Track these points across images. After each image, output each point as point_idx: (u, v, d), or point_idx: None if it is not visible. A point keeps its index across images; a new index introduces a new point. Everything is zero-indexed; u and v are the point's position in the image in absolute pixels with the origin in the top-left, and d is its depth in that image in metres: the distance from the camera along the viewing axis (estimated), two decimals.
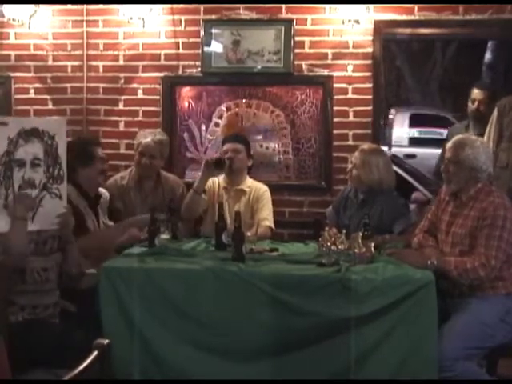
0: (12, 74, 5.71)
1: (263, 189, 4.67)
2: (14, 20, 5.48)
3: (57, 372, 2.56)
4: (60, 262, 3.50)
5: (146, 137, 4.76)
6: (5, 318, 3.18)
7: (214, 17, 5.48)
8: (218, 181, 4.73)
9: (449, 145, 3.73)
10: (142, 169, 4.75)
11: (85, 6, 5.55)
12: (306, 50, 5.41)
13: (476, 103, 5.13)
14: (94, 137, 5.15)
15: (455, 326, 3.45)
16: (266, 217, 4.57)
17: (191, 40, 5.52)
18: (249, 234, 3.91)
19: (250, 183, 4.70)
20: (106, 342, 2.17)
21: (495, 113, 4.65)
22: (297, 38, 5.37)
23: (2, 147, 3.24)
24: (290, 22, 5.37)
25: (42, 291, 3.38)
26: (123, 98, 5.62)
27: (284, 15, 5.41)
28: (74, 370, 2.01)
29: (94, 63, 5.64)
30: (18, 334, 3.14)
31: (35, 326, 3.28)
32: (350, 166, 4.47)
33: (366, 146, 4.53)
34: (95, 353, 2.12)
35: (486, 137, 4.57)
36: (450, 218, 3.71)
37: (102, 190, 4.41)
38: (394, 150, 11.53)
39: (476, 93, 5.16)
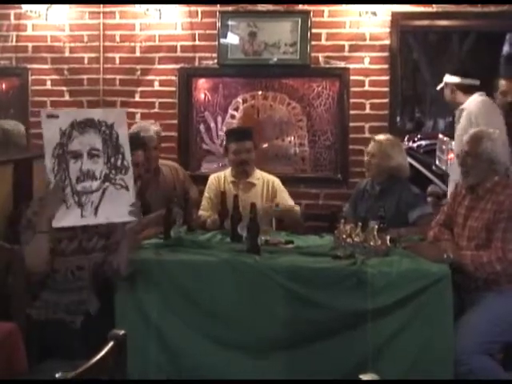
0: (29, 66, 5.74)
1: (276, 181, 4.65)
2: (31, 12, 5.52)
3: (73, 362, 2.57)
4: (99, 262, 3.42)
5: (148, 130, 4.71)
6: (23, 310, 3.19)
7: (230, 8, 5.48)
8: (224, 175, 4.70)
9: (466, 138, 3.70)
10: (151, 162, 4.70)
11: None
12: (323, 41, 5.39)
13: (509, 95, 5.01)
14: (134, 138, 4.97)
15: (471, 320, 3.43)
16: (292, 205, 4.58)
17: (208, 32, 5.51)
18: None
19: (259, 175, 4.67)
20: (121, 332, 2.17)
21: None
22: (313, 30, 5.35)
23: (53, 140, 3.19)
24: (306, 13, 5.35)
25: (71, 290, 3.36)
26: (139, 89, 5.63)
27: (301, 7, 5.40)
28: (90, 361, 2.01)
29: (110, 55, 5.65)
30: (37, 331, 3.17)
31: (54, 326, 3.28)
32: (366, 157, 4.44)
33: (380, 136, 4.52)
34: (111, 343, 2.12)
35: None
36: (466, 211, 3.69)
37: None
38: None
39: (506, 84, 5.05)
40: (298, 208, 4.58)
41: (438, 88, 5.38)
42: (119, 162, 3.27)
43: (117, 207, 3.25)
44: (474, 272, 3.46)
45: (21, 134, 5.29)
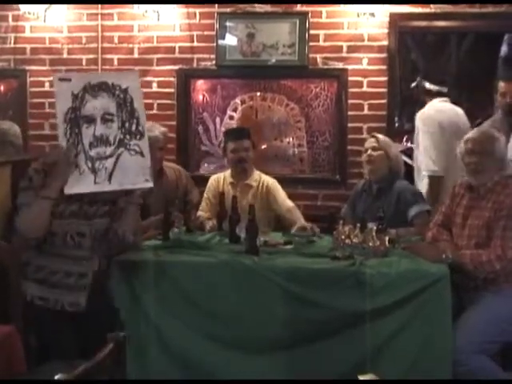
0: (27, 68, 5.74)
1: (274, 183, 4.64)
2: (29, 13, 5.52)
3: (72, 363, 2.57)
4: (104, 229, 3.28)
5: (153, 130, 4.70)
6: (18, 306, 3.17)
7: (228, 10, 5.48)
8: (223, 176, 4.71)
9: (473, 137, 3.69)
10: (156, 163, 4.70)
11: None
12: (321, 43, 5.40)
13: (508, 96, 4.97)
14: None
15: (470, 319, 3.44)
16: (290, 203, 4.57)
17: (206, 33, 5.52)
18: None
19: (257, 176, 4.67)
20: (121, 334, 2.17)
21: None
22: (311, 31, 5.36)
23: (65, 104, 3.08)
24: (304, 14, 5.36)
25: (74, 258, 3.20)
26: None
27: (299, 8, 5.40)
28: (89, 363, 2.01)
29: (108, 56, 5.65)
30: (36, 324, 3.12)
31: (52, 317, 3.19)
32: (366, 153, 4.44)
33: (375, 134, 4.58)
34: (110, 345, 2.12)
35: None
36: (465, 210, 3.69)
37: None
38: None
39: (505, 86, 5.03)
40: (296, 209, 4.57)
41: (411, 86, 5.50)
42: (134, 127, 3.15)
43: (131, 173, 3.14)
44: (474, 271, 3.46)
45: (17, 134, 5.29)
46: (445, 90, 5.40)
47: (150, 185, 3.18)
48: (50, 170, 3.08)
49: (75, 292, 3.19)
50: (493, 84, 5.20)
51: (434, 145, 4.97)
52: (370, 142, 4.44)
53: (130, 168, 3.13)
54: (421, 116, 5.12)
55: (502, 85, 5.03)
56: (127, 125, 3.14)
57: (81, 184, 3.08)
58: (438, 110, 5.27)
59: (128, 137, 3.14)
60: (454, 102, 5.37)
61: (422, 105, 5.32)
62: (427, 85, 5.29)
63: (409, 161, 5.66)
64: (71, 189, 3.06)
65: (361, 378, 2.00)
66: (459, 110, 5.39)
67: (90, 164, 3.10)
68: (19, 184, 3.15)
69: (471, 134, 3.77)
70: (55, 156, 3.08)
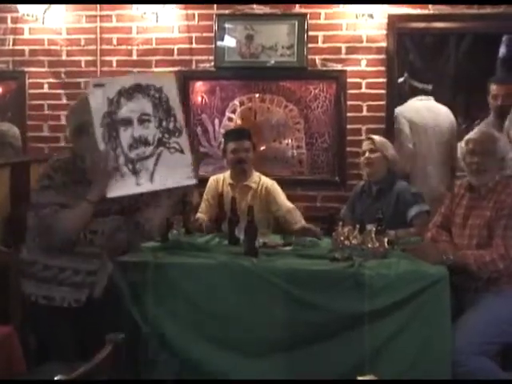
0: (26, 69, 5.73)
1: (273, 184, 4.63)
2: (28, 15, 5.51)
3: (71, 365, 2.57)
4: (116, 227, 3.26)
5: None
6: (18, 307, 3.17)
7: (227, 11, 5.48)
8: (223, 177, 4.70)
9: (474, 137, 3.70)
10: None
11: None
12: (320, 44, 5.40)
13: (500, 99, 5.00)
14: None
15: (469, 320, 3.44)
16: (290, 205, 4.56)
17: (204, 34, 5.52)
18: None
19: (256, 178, 4.65)
20: (120, 336, 2.17)
21: None
22: (310, 33, 5.35)
23: (101, 109, 3.05)
24: (303, 16, 5.36)
25: (84, 255, 3.16)
26: None
27: (297, 9, 5.40)
28: (87, 365, 2.02)
29: (107, 58, 5.65)
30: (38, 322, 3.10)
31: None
32: (365, 155, 4.45)
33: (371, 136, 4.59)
34: (109, 348, 2.12)
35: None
36: (465, 211, 3.69)
37: None
38: None
39: (497, 88, 5.05)
40: (297, 210, 4.56)
41: (399, 81, 5.63)
42: (171, 125, 3.13)
43: (173, 172, 3.11)
44: (478, 271, 3.46)
45: (16, 136, 5.30)
46: (429, 87, 5.50)
47: (193, 181, 3.16)
48: (91, 174, 3.08)
49: (81, 289, 3.17)
50: (485, 87, 5.20)
51: (399, 141, 5.10)
52: (367, 144, 4.45)
53: (171, 166, 3.11)
54: (395, 112, 5.27)
55: (493, 87, 5.04)
56: (165, 123, 3.13)
57: (123, 186, 3.06)
58: (411, 106, 5.39)
59: (167, 135, 3.12)
60: (447, 102, 5.43)
61: (406, 101, 5.45)
62: (412, 82, 5.46)
63: None
64: (113, 192, 3.05)
65: (360, 379, 2.00)
66: (441, 109, 5.43)
67: (131, 166, 3.08)
68: (38, 183, 3.11)
69: (472, 134, 3.77)
70: (98, 161, 3.05)
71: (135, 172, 3.08)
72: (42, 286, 3.12)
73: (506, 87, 5.04)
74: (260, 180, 4.64)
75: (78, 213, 3.04)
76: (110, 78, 3.10)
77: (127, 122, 3.07)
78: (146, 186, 3.09)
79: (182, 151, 3.13)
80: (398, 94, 5.61)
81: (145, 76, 3.22)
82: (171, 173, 3.10)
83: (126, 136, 3.07)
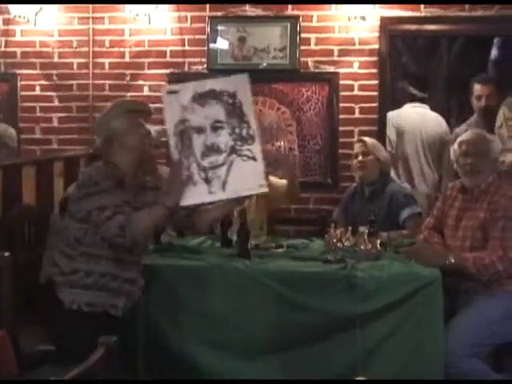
0: (18, 71, 5.72)
1: None
2: (19, 17, 5.49)
3: (65, 368, 2.57)
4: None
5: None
6: (13, 316, 3.17)
7: (219, 14, 5.48)
8: None
9: (467, 139, 3.71)
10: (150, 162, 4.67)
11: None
12: (312, 46, 5.40)
13: (483, 99, 5.00)
14: None
15: (462, 322, 3.44)
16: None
17: (197, 37, 5.52)
18: None
19: None
20: (112, 339, 2.17)
21: (505, 113, 4.59)
22: (303, 35, 5.36)
23: (175, 116, 3.04)
24: (295, 18, 5.36)
25: (123, 262, 3.15)
26: (129, 94, 5.62)
27: (290, 12, 5.41)
28: (80, 368, 2.01)
29: (99, 60, 5.64)
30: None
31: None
32: (358, 158, 4.45)
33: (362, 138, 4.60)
34: (101, 350, 2.12)
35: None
36: (458, 212, 3.69)
37: None
38: None
39: (480, 88, 5.03)
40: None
41: (397, 87, 5.80)
42: (244, 132, 3.08)
43: (245, 180, 3.05)
44: (477, 274, 3.45)
45: (12, 137, 5.30)
46: (423, 95, 5.56)
47: (265, 190, 3.11)
48: (166, 182, 3.11)
49: (118, 296, 3.17)
50: (469, 87, 5.19)
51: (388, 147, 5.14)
52: (359, 147, 4.46)
53: (243, 174, 3.06)
54: (387, 116, 5.33)
55: (477, 87, 5.03)
56: (237, 130, 3.08)
57: (195, 195, 3.04)
58: (403, 112, 5.46)
59: (239, 143, 3.07)
60: (439, 104, 5.46)
61: (400, 106, 5.52)
62: (409, 88, 5.52)
63: None
64: (186, 200, 3.03)
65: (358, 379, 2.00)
66: (433, 118, 5.45)
67: (203, 174, 3.05)
68: (83, 189, 3.06)
69: (465, 136, 3.78)
70: (174, 170, 3.06)
71: (207, 180, 3.05)
72: (85, 293, 3.09)
73: (489, 87, 5.03)
74: None
75: (153, 215, 3.05)
76: (183, 84, 3.08)
77: (200, 130, 3.05)
78: (218, 195, 3.06)
79: (254, 159, 3.07)
80: (391, 97, 5.64)
81: (218, 80, 3.16)
82: (243, 181, 3.06)
83: (198, 144, 3.04)
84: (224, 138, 3.05)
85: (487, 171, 3.63)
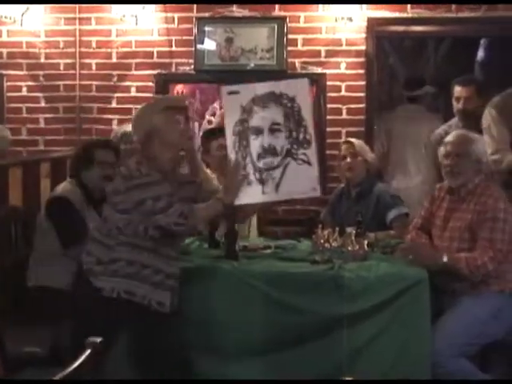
0: (4, 72, 5.70)
1: None
2: (5, 17, 5.47)
3: (51, 370, 2.56)
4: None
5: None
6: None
7: (207, 14, 5.49)
8: None
9: (450, 140, 3.72)
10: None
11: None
12: (299, 47, 5.41)
13: (462, 101, 4.84)
14: (105, 140, 4.43)
15: (448, 322, 3.45)
16: None
17: (184, 37, 5.52)
18: None
19: None
20: (98, 340, 2.16)
21: (492, 113, 4.57)
22: (290, 36, 5.37)
23: (234, 116, 3.10)
24: (282, 19, 5.37)
25: (167, 256, 3.19)
26: (116, 95, 5.62)
27: (277, 13, 5.42)
28: (66, 369, 2.00)
29: (86, 61, 5.63)
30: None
31: None
32: (346, 160, 4.45)
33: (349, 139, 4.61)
34: (88, 351, 2.11)
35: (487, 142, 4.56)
36: (446, 213, 3.70)
37: None
38: None
39: (460, 90, 4.87)
40: None
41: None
42: (301, 136, 3.14)
43: (299, 183, 3.13)
44: (470, 275, 3.45)
45: (6, 139, 5.27)
46: (432, 89, 5.66)
47: (318, 194, 3.18)
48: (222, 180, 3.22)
49: (161, 291, 3.18)
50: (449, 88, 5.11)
51: (377, 151, 5.16)
52: (346, 149, 4.44)
53: (297, 177, 3.12)
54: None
55: (457, 89, 4.89)
56: (294, 134, 3.14)
57: (249, 195, 3.11)
58: (395, 115, 5.46)
59: (295, 146, 3.13)
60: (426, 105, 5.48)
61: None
62: (407, 93, 5.51)
63: None
64: (240, 200, 3.11)
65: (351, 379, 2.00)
66: (426, 118, 5.42)
67: (258, 175, 3.13)
68: (134, 181, 3.07)
69: (449, 136, 3.79)
70: (231, 170, 3.13)
71: (262, 181, 3.13)
72: (125, 282, 3.11)
73: (468, 89, 4.85)
74: None
75: (211, 209, 3.14)
76: (244, 85, 3.15)
77: (258, 131, 3.12)
78: (271, 196, 3.15)
79: (309, 163, 3.14)
80: (377, 98, 5.64)
81: (279, 83, 3.22)
82: (296, 184, 3.13)
83: (255, 145, 3.12)
84: (281, 141, 3.12)
85: (469, 172, 3.62)
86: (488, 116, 4.52)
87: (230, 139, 3.12)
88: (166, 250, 3.18)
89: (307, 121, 3.16)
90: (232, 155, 3.11)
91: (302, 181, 3.13)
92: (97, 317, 3.04)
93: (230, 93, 3.16)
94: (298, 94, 3.16)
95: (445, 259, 3.48)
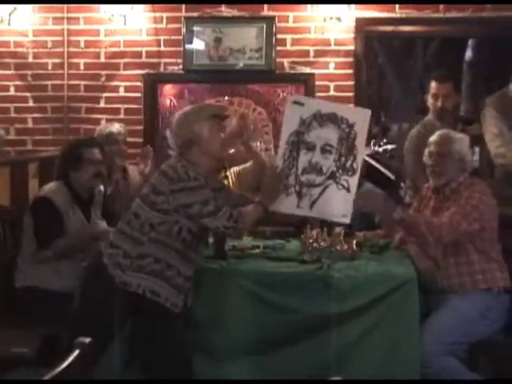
0: None
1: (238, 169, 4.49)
2: None
3: (40, 371, 2.55)
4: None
5: (109, 127, 4.63)
6: None
7: (195, 14, 5.48)
8: None
9: (434, 139, 3.73)
10: (122, 158, 4.63)
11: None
12: (288, 47, 5.41)
13: (440, 99, 4.59)
14: (90, 138, 4.42)
15: (436, 321, 3.47)
16: None
17: (173, 37, 5.51)
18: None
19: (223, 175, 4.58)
20: (87, 340, 2.15)
21: (491, 113, 4.58)
22: (278, 36, 5.37)
23: (292, 126, 3.17)
24: (271, 19, 5.37)
25: (190, 260, 3.22)
26: (104, 95, 5.60)
27: (266, 12, 5.42)
28: (55, 370, 1.99)
29: (74, 60, 5.61)
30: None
31: None
32: None
33: None
34: (76, 352, 2.10)
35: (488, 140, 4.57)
36: (432, 212, 3.72)
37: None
38: None
39: (437, 87, 4.60)
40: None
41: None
42: (349, 163, 3.24)
43: (333, 206, 3.25)
44: (427, 234, 3.44)
45: (2, 138, 5.26)
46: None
47: (347, 221, 3.33)
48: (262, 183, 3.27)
49: (178, 293, 3.19)
50: (425, 84, 4.89)
51: None
52: None
53: (333, 201, 3.25)
54: None
55: (434, 85, 4.63)
56: (343, 159, 3.23)
57: (284, 204, 3.24)
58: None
59: (340, 171, 3.24)
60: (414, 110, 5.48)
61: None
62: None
63: (376, 165, 5.71)
64: (275, 207, 3.22)
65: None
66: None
67: (298, 188, 3.26)
68: (181, 184, 3.08)
69: (433, 136, 3.80)
70: (276, 175, 3.22)
71: (300, 195, 3.27)
72: (150, 280, 3.11)
73: (445, 87, 4.61)
74: (227, 174, 4.58)
75: (256, 213, 3.21)
76: (310, 99, 3.30)
77: (311, 147, 3.22)
78: (304, 211, 3.29)
79: (348, 189, 3.26)
80: (366, 97, 5.64)
81: (342, 107, 3.41)
82: (331, 206, 3.26)
83: (304, 159, 3.21)
84: (329, 162, 3.23)
85: (452, 171, 3.64)
86: (487, 114, 4.56)
87: (282, 147, 3.21)
88: (191, 254, 3.21)
89: (359, 150, 3.25)
90: (280, 163, 3.20)
91: (336, 205, 3.26)
92: (110, 307, 3.05)
93: (295, 102, 3.24)
94: (358, 122, 3.25)
95: (399, 212, 3.44)
